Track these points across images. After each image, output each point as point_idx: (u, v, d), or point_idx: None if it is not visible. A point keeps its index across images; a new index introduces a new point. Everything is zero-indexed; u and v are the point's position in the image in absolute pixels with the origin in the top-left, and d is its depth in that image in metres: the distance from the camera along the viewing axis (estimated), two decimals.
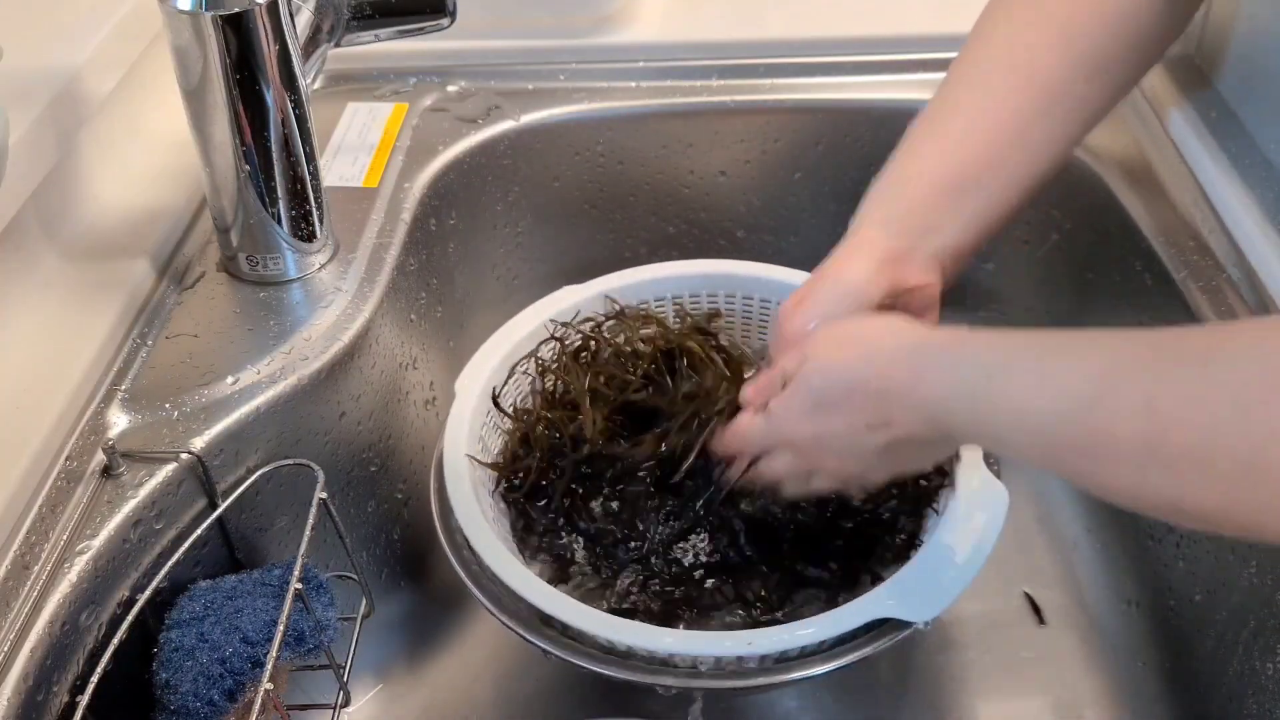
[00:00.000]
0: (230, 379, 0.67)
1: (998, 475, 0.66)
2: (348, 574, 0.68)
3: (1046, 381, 0.51)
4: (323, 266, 0.76)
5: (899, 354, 0.58)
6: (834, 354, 0.60)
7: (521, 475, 0.73)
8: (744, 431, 0.66)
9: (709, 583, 0.69)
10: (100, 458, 0.62)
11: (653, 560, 0.70)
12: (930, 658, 0.77)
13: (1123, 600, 0.78)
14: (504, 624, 0.62)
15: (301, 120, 0.71)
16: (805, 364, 0.61)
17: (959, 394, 0.54)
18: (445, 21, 0.79)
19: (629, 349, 0.76)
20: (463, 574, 0.64)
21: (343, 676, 0.64)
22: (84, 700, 0.53)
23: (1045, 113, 0.67)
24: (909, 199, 0.67)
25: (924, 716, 0.74)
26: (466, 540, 0.64)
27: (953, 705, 0.74)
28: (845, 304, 0.64)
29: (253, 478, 0.65)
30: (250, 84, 0.67)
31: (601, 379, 0.74)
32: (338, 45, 0.77)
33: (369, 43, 0.79)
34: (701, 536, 0.71)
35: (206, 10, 0.65)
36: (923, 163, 0.68)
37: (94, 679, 0.54)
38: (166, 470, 0.63)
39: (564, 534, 0.72)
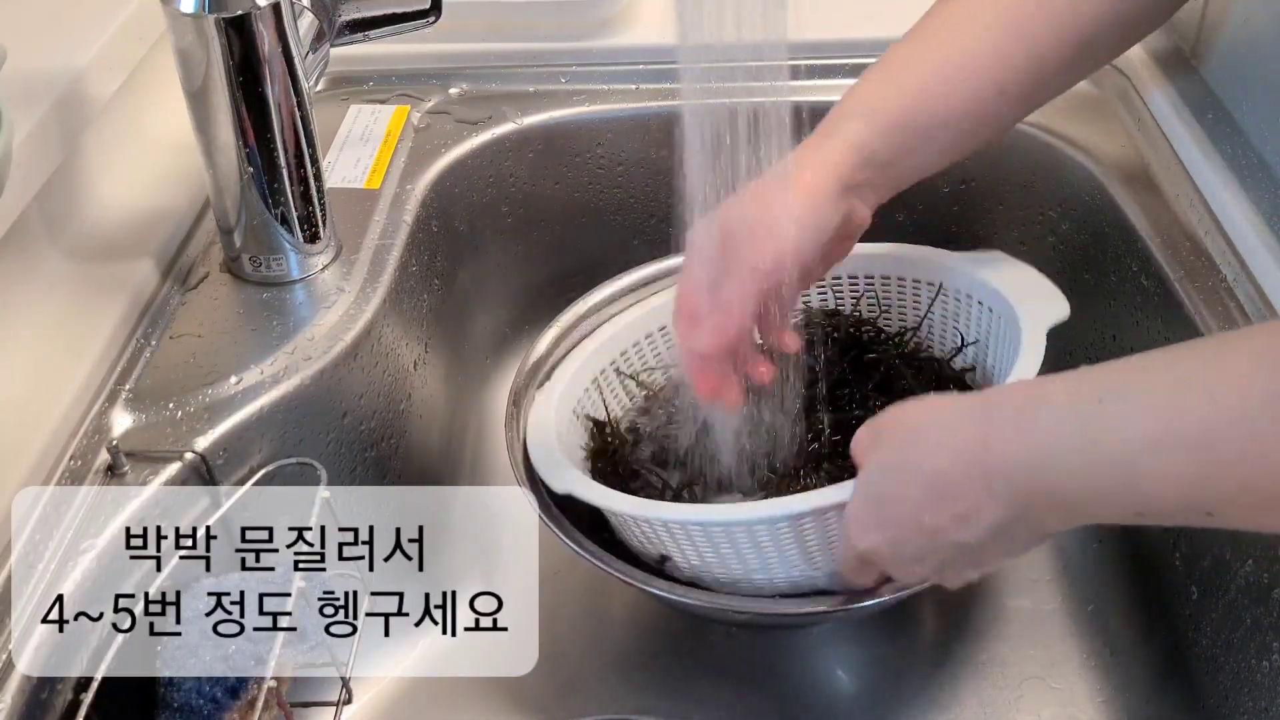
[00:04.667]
0: (233, 379, 0.68)
1: None
2: (350, 572, 0.68)
3: (1185, 392, 0.45)
4: (325, 267, 0.76)
5: (948, 426, 0.52)
6: (885, 448, 0.56)
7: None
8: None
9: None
10: (104, 457, 0.63)
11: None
12: (931, 650, 0.77)
13: (1118, 596, 0.78)
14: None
15: (304, 122, 0.71)
16: (864, 464, 0.57)
17: (1053, 446, 0.48)
18: (432, 18, 0.79)
19: None
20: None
21: (345, 674, 0.64)
22: (88, 698, 0.54)
23: (1029, 72, 0.65)
24: (885, 124, 0.64)
25: (914, 702, 0.75)
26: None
27: (944, 700, 0.74)
28: (803, 237, 0.61)
29: (256, 477, 0.66)
30: (253, 86, 0.68)
31: None
32: (333, 45, 0.78)
33: (360, 42, 0.79)
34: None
35: (209, 12, 0.65)
36: (903, 90, 0.65)
37: (98, 677, 0.54)
38: (170, 469, 0.63)
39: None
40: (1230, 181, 0.76)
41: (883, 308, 0.81)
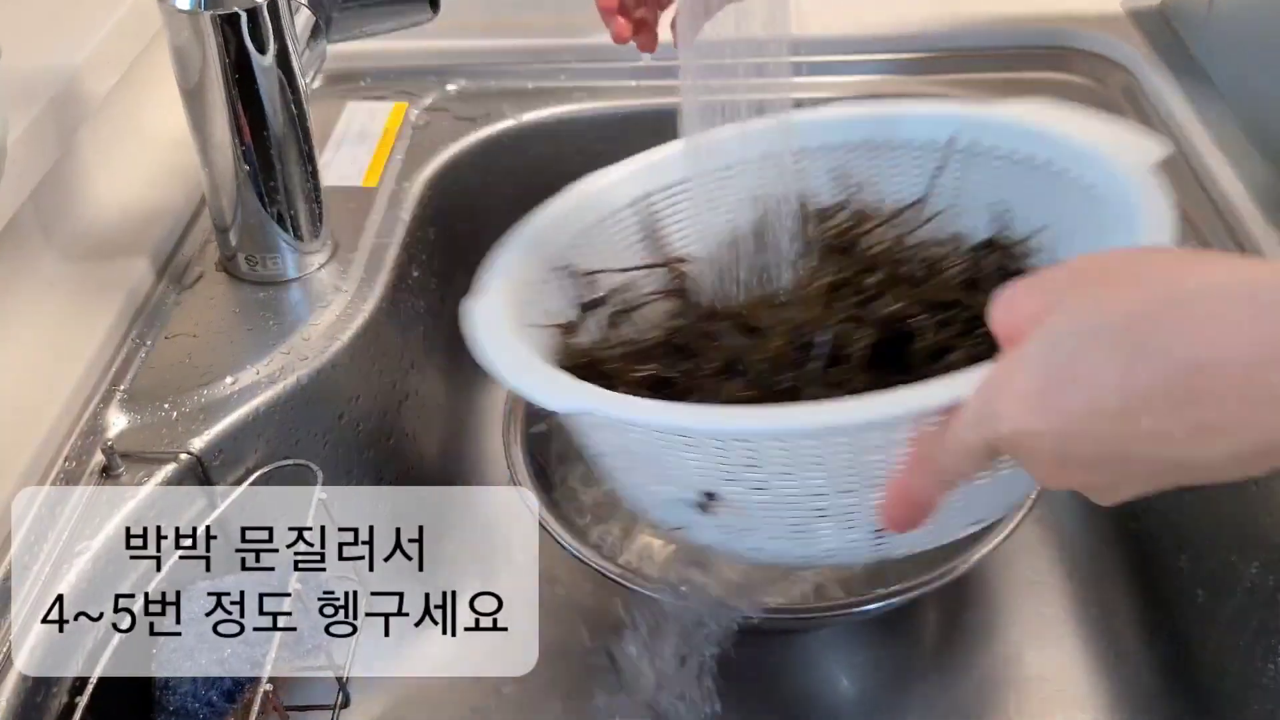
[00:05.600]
0: (229, 379, 0.67)
1: None
2: (347, 574, 0.68)
3: None
4: (322, 266, 0.76)
5: (1245, 301, 0.35)
6: (1089, 310, 0.38)
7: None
8: (933, 441, 0.43)
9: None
10: (99, 458, 0.62)
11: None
12: (934, 653, 0.77)
13: (1124, 598, 0.78)
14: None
15: (301, 120, 0.71)
16: (1051, 313, 0.39)
17: None
18: (429, 14, 0.79)
19: None
20: None
21: (343, 675, 0.63)
22: (83, 701, 0.53)
23: None
24: None
25: (918, 705, 0.74)
26: None
27: (948, 703, 0.74)
28: None
29: (252, 478, 0.65)
30: (249, 83, 0.67)
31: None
32: (330, 41, 0.77)
33: (357, 38, 0.79)
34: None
35: (205, 9, 0.65)
36: None
37: (93, 680, 0.54)
38: (165, 470, 0.63)
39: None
40: (1236, 177, 0.76)
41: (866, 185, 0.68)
